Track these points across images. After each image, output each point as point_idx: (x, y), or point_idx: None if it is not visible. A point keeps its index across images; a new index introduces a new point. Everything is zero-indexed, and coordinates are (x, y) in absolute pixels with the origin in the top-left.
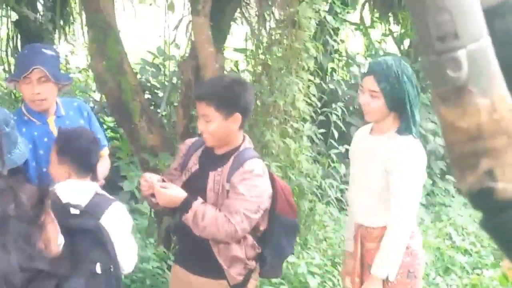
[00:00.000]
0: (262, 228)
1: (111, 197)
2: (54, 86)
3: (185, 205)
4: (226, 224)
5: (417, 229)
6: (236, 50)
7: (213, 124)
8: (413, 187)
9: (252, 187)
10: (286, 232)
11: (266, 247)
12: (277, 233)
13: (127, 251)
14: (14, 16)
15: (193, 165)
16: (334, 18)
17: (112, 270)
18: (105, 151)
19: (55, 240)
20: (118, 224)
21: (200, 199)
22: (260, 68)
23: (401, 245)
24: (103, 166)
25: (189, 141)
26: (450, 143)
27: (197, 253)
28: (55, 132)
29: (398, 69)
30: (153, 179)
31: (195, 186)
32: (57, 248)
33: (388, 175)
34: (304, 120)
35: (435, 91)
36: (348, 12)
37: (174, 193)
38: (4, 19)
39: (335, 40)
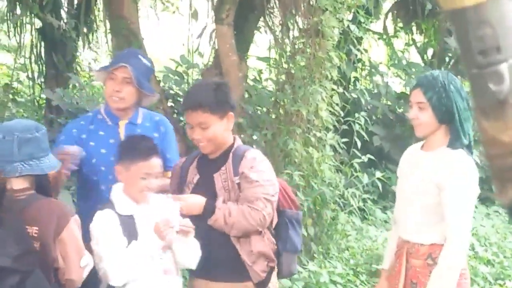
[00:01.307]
0: (274, 222)
1: None
2: (135, 91)
3: (209, 208)
4: (253, 212)
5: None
6: (259, 58)
7: (212, 129)
8: (467, 204)
9: (262, 172)
10: (293, 225)
11: (278, 242)
12: (285, 226)
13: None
14: (38, 23)
15: (194, 176)
16: (357, 28)
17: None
18: (169, 174)
19: (73, 260)
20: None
21: (220, 198)
22: (283, 77)
23: (458, 263)
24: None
25: (180, 161)
26: (491, 157)
27: (218, 259)
28: (122, 135)
29: (444, 79)
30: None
31: (203, 193)
32: (77, 270)
33: (441, 191)
34: (327, 129)
35: (477, 105)
36: (371, 22)
37: (194, 200)
38: (28, 27)
39: (358, 50)
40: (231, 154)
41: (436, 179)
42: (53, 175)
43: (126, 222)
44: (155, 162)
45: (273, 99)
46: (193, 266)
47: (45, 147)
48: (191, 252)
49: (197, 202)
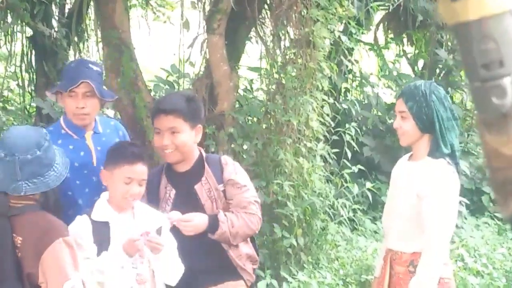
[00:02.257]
0: None
1: None
2: (98, 102)
3: (213, 223)
4: (252, 217)
5: (448, 258)
6: (250, 69)
7: (182, 136)
8: (446, 213)
9: (245, 175)
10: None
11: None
12: None
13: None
14: (29, 32)
15: (168, 191)
16: (348, 39)
17: None
18: None
19: (52, 283)
20: None
21: (220, 212)
22: (274, 87)
23: (436, 272)
24: None
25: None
26: (493, 169)
27: (210, 264)
28: (91, 146)
29: (426, 89)
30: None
31: (186, 207)
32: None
33: (420, 201)
34: (318, 139)
35: (479, 118)
36: (362, 33)
37: (199, 220)
38: (19, 35)
39: (349, 60)
40: (205, 164)
41: (416, 188)
42: None
43: (99, 229)
44: (140, 168)
45: (263, 109)
46: (173, 283)
47: (48, 162)
48: (169, 269)
49: (202, 221)
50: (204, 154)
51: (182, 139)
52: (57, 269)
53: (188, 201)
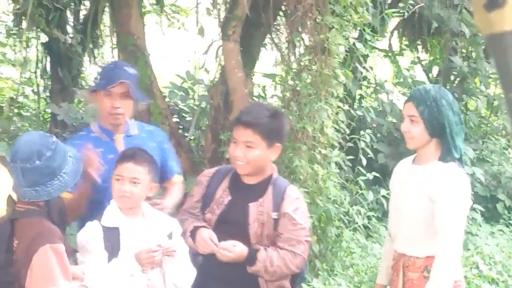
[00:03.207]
0: None
1: None
2: (132, 104)
3: (251, 259)
4: (294, 258)
5: (459, 260)
6: (265, 75)
7: (256, 152)
8: (459, 216)
9: (304, 214)
10: None
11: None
12: None
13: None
14: (44, 38)
15: (224, 196)
16: (363, 45)
17: None
18: (176, 178)
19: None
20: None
21: (261, 248)
22: (289, 94)
23: (451, 276)
24: (172, 193)
25: (209, 172)
26: None
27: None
28: (120, 149)
29: (436, 94)
30: (211, 239)
31: (233, 219)
32: None
33: (433, 204)
34: (332, 146)
35: None
36: (377, 39)
37: (238, 251)
38: (34, 41)
39: (364, 67)
40: (270, 186)
41: (429, 192)
42: (79, 190)
43: (110, 235)
44: (128, 166)
45: None
46: (185, 287)
47: (50, 171)
48: (181, 273)
49: (241, 253)
50: (275, 175)
51: (256, 155)
52: (42, 276)
53: (237, 215)
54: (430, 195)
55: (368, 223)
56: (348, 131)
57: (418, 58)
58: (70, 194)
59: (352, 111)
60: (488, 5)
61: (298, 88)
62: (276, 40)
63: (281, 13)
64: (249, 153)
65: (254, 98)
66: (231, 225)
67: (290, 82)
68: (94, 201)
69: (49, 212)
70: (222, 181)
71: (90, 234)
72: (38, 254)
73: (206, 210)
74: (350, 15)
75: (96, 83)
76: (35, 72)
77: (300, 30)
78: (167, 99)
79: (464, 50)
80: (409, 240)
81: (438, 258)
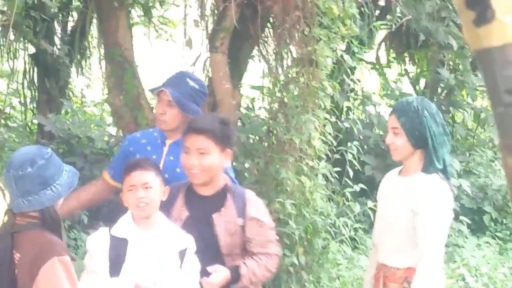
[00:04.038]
0: None
1: None
2: (178, 114)
3: (235, 277)
4: (271, 260)
5: (442, 272)
6: (253, 87)
7: (210, 158)
8: (440, 228)
9: (267, 214)
10: None
11: None
12: None
13: None
14: (31, 49)
15: (182, 212)
16: (351, 57)
17: None
18: None
19: None
20: None
21: (242, 265)
22: (276, 105)
23: (431, 286)
24: None
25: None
26: None
27: None
28: (164, 154)
29: (418, 105)
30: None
31: (198, 234)
32: None
33: (415, 215)
34: (320, 158)
35: (502, 142)
36: (365, 52)
37: (223, 276)
38: (22, 52)
39: (351, 79)
40: (228, 194)
41: (410, 203)
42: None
43: (117, 245)
44: (137, 174)
45: (265, 127)
46: None
47: (42, 180)
48: None
49: (225, 277)
50: (229, 183)
51: (210, 161)
52: None
53: (201, 229)
54: (411, 206)
55: (355, 235)
56: (335, 143)
57: (406, 70)
58: None
59: (339, 123)
60: (477, 20)
61: (285, 100)
62: (263, 52)
63: (269, 25)
64: (204, 159)
65: (241, 109)
66: (197, 240)
67: (278, 94)
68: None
69: (46, 223)
70: (176, 198)
71: (96, 242)
72: (45, 267)
73: None
74: (338, 27)
75: (155, 87)
76: (22, 83)
77: (287, 42)
78: (154, 111)
79: (451, 63)
80: (390, 251)
81: (419, 270)
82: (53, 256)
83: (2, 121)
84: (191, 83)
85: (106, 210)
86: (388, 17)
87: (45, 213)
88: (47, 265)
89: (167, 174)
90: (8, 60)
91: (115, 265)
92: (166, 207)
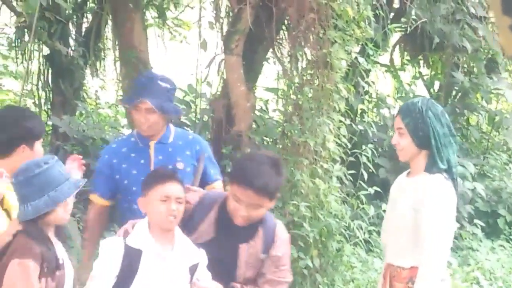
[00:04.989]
0: None
1: None
2: (160, 117)
3: None
4: None
5: (447, 273)
6: (267, 89)
7: (262, 211)
8: (443, 227)
9: (289, 255)
10: None
11: None
12: None
13: None
14: (46, 50)
15: (210, 231)
16: (365, 60)
17: None
18: (216, 184)
19: None
20: None
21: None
22: (291, 108)
23: (433, 286)
24: None
25: (193, 198)
26: None
27: None
28: (152, 156)
29: (423, 105)
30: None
31: (220, 258)
32: None
33: (417, 214)
34: (334, 160)
35: None
36: (379, 54)
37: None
38: (36, 53)
39: (366, 82)
40: (260, 227)
41: (414, 203)
42: None
43: (131, 256)
44: (173, 187)
45: (280, 129)
46: None
47: (39, 188)
48: None
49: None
50: (264, 216)
51: (261, 213)
52: None
53: (224, 254)
54: (415, 206)
55: (369, 237)
56: (349, 146)
57: (420, 73)
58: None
59: (353, 125)
60: None
61: (300, 102)
62: (278, 54)
63: (283, 27)
64: (254, 212)
65: (256, 112)
66: (215, 263)
67: (292, 96)
68: (125, 203)
69: (29, 233)
70: (209, 214)
71: (110, 250)
72: (8, 268)
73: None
74: (353, 30)
75: (126, 96)
76: (37, 85)
77: (302, 44)
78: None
79: (465, 65)
80: (396, 251)
81: (421, 270)
82: (15, 258)
83: None
84: (163, 84)
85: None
86: (403, 19)
87: (28, 224)
88: (9, 265)
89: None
90: (23, 61)
91: (128, 276)
92: (195, 219)
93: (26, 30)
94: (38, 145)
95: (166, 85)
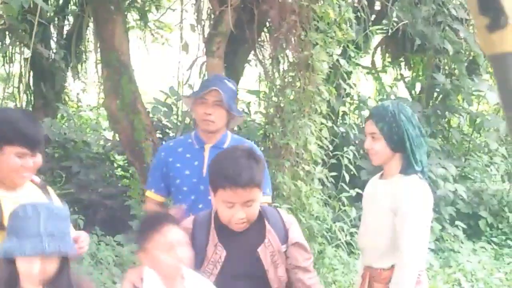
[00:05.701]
0: None
1: None
2: (225, 113)
3: None
4: (318, 283)
5: (424, 274)
6: (249, 91)
7: (256, 205)
8: (419, 228)
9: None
10: None
11: None
12: None
13: None
14: (27, 53)
15: (219, 252)
16: (347, 62)
17: None
18: (266, 199)
19: None
20: None
21: None
22: (272, 110)
23: (409, 286)
24: None
25: (186, 225)
26: None
27: None
28: (206, 158)
29: (394, 109)
30: None
31: (244, 272)
32: None
33: (395, 216)
34: (316, 163)
35: None
36: (360, 56)
37: None
38: (17, 56)
39: (347, 84)
40: (265, 222)
41: (391, 205)
42: None
43: None
44: (170, 233)
45: (262, 132)
46: None
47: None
48: None
49: None
50: (262, 209)
51: (256, 208)
52: None
53: (246, 266)
54: (391, 208)
55: (351, 239)
56: (331, 148)
57: (401, 75)
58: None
59: (335, 127)
60: (490, 26)
61: (281, 105)
62: (260, 56)
63: (265, 29)
64: (250, 210)
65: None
66: (243, 279)
67: (274, 98)
68: (177, 201)
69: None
70: (208, 235)
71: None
72: None
73: (198, 269)
74: (334, 32)
75: (194, 91)
76: (18, 87)
77: (284, 46)
78: (150, 115)
79: (447, 67)
80: (375, 253)
81: (396, 271)
82: None
83: None
84: (229, 84)
85: (102, 215)
86: (384, 21)
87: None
88: None
89: None
90: (4, 64)
91: None
92: (199, 246)
93: (7, 32)
94: (10, 151)
95: (232, 86)
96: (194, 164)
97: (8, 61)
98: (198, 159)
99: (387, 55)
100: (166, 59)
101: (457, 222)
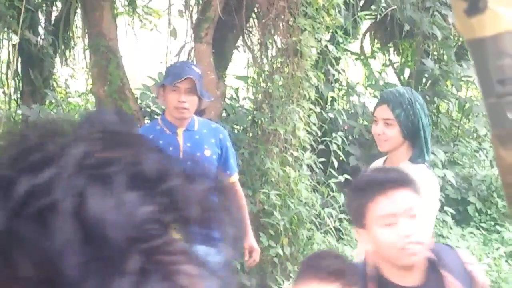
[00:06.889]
0: None
1: None
2: (196, 100)
3: None
4: None
5: None
6: (237, 77)
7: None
8: (431, 216)
9: None
10: None
11: None
12: None
13: None
14: (15, 39)
15: None
16: (335, 48)
17: None
18: (234, 177)
19: None
20: None
21: None
22: (261, 96)
23: None
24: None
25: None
26: (508, 184)
27: None
28: (181, 143)
29: (410, 96)
30: None
31: None
32: None
33: None
34: (304, 148)
35: (494, 133)
36: (349, 42)
37: None
38: (5, 42)
39: (336, 70)
40: (441, 272)
41: None
42: None
43: None
44: None
45: (250, 118)
46: None
47: None
48: None
49: None
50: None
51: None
52: None
53: None
54: None
55: (340, 225)
56: (320, 134)
57: (390, 60)
58: None
59: (324, 113)
60: (469, 10)
61: (270, 90)
62: (248, 42)
63: (253, 15)
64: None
65: (226, 100)
66: None
67: (262, 84)
68: None
69: None
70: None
71: None
72: None
73: None
74: (323, 18)
75: (164, 79)
76: (6, 74)
77: (272, 32)
78: (139, 101)
79: (435, 53)
80: None
81: None
82: None
83: None
84: (196, 69)
85: None
86: (373, 7)
87: None
88: None
89: (189, 161)
90: None
91: None
92: None
93: None
94: None
95: (199, 71)
96: (170, 150)
97: None
98: (173, 144)
99: (375, 40)
100: (154, 45)
101: (446, 208)
